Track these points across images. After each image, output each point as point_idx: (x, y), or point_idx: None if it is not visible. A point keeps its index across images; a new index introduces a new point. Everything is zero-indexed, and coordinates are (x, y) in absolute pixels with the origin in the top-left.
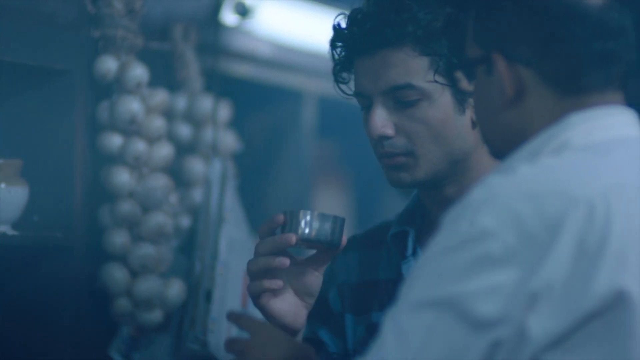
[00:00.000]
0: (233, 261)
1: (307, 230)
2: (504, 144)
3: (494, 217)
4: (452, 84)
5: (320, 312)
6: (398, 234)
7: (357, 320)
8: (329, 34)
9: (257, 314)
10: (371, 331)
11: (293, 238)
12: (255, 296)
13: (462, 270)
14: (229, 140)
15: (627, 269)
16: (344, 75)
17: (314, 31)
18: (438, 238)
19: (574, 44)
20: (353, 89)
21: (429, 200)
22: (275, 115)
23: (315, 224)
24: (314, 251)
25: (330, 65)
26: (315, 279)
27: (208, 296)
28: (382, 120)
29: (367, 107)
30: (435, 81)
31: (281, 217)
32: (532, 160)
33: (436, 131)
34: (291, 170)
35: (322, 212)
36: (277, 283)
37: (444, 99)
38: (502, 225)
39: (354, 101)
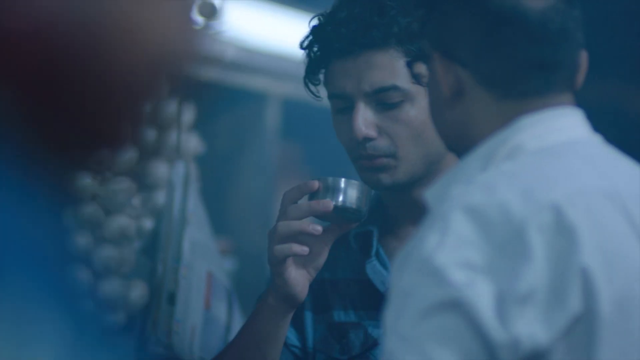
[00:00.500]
0: (196, 263)
1: (341, 198)
2: (454, 141)
3: (464, 227)
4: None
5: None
6: (361, 234)
7: (316, 319)
8: (304, 33)
9: (220, 314)
10: (333, 330)
11: (331, 205)
12: (279, 261)
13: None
14: (193, 143)
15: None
16: (317, 77)
17: (279, 33)
18: (411, 257)
19: (510, 48)
20: (327, 91)
21: (393, 201)
22: (239, 117)
23: (351, 193)
24: (327, 223)
25: (294, 67)
26: (324, 252)
27: (171, 298)
28: (365, 121)
29: (345, 108)
30: (418, 83)
31: (316, 184)
32: (487, 165)
33: (417, 132)
34: (255, 172)
35: (353, 180)
36: (304, 249)
37: (424, 100)
38: (475, 235)
39: (319, 103)
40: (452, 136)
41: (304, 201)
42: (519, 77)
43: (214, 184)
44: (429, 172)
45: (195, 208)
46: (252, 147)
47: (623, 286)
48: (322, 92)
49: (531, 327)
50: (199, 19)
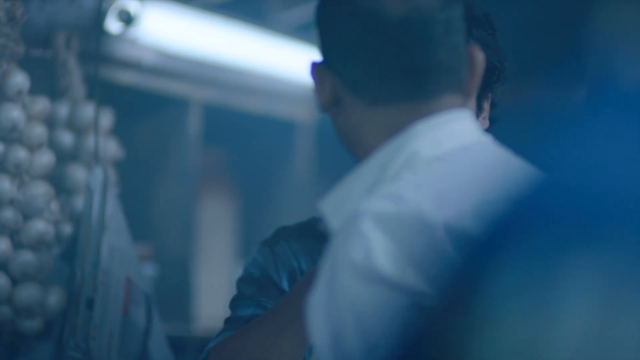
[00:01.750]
0: (114, 269)
1: None
2: (349, 150)
3: (380, 238)
4: (485, 90)
5: (268, 292)
6: None
7: None
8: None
9: (138, 320)
10: None
11: None
12: None
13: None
14: (111, 148)
15: None
16: None
17: (200, 39)
18: (341, 278)
19: (374, 54)
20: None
21: None
22: (161, 122)
23: None
24: None
25: (216, 72)
26: None
27: (89, 304)
28: None
29: None
30: None
31: None
32: (383, 174)
33: None
34: (176, 178)
35: None
36: None
37: (471, 104)
38: (392, 245)
39: (241, 109)
40: (346, 145)
41: None
42: (385, 82)
43: (135, 189)
44: None
45: (114, 213)
46: (174, 153)
47: None
48: (246, 98)
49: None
50: (117, 24)
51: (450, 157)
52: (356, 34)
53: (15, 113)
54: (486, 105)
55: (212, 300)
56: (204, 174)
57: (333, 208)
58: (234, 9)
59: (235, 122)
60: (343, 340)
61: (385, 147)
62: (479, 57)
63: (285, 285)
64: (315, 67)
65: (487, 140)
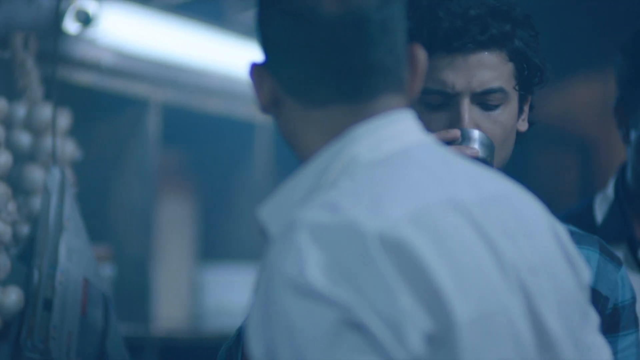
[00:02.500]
0: (72, 269)
1: (482, 152)
2: (295, 153)
3: (314, 249)
4: (527, 92)
5: None
6: None
7: None
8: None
9: (96, 321)
10: None
11: (478, 153)
12: None
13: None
14: (69, 149)
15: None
16: None
17: (159, 39)
18: (274, 290)
19: (308, 54)
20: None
21: None
22: (120, 123)
23: (490, 149)
24: None
25: (175, 73)
26: None
27: (47, 304)
28: (472, 119)
29: (441, 105)
30: (515, 88)
31: (458, 132)
32: (322, 179)
33: (506, 136)
34: (135, 179)
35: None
36: None
37: (515, 105)
38: (326, 257)
39: (201, 109)
40: (289, 146)
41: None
42: (320, 83)
43: (93, 190)
44: None
45: (71, 214)
46: (133, 153)
47: (480, 302)
48: (205, 99)
49: (417, 343)
50: (75, 24)
51: (389, 161)
52: (291, 35)
53: None
54: (526, 108)
55: (171, 301)
56: (163, 174)
57: (272, 215)
58: (193, 9)
59: (194, 123)
60: (276, 355)
61: (324, 151)
62: (421, 56)
63: None
64: (254, 68)
65: (429, 142)
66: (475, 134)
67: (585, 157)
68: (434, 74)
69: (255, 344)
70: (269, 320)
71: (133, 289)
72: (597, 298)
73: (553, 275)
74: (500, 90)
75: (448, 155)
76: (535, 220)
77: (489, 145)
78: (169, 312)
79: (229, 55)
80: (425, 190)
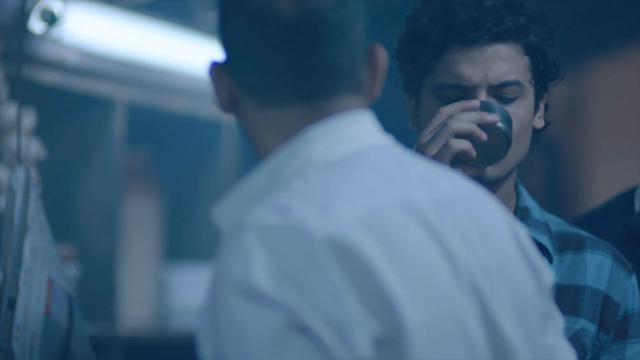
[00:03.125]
0: (37, 269)
1: (502, 122)
2: (252, 149)
3: (262, 252)
4: (543, 87)
5: None
6: None
7: None
8: (418, 11)
9: (60, 321)
10: None
11: (498, 119)
12: (446, 157)
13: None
14: (34, 148)
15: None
16: (426, 63)
17: (124, 39)
18: (221, 291)
19: (262, 54)
20: (435, 80)
21: None
22: (85, 122)
23: (507, 120)
24: None
25: (140, 72)
26: None
27: (11, 304)
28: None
29: (458, 99)
30: (531, 82)
31: (477, 102)
32: (276, 181)
33: (522, 130)
34: (100, 178)
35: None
36: (473, 151)
37: (531, 99)
38: (273, 260)
39: (166, 109)
40: (251, 147)
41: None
42: (275, 83)
43: (59, 189)
44: (512, 172)
45: (36, 213)
46: (98, 153)
47: (431, 306)
48: (171, 98)
49: (364, 347)
50: (40, 24)
51: (343, 162)
52: (247, 35)
53: None
54: (542, 105)
55: (137, 300)
56: (128, 174)
57: (224, 215)
58: (159, 9)
59: (160, 122)
60: (223, 357)
61: (279, 152)
62: (382, 56)
63: None
64: (214, 67)
65: (386, 143)
66: (495, 105)
67: (552, 158)
68: (450, 68)
69: (204, 346)
70: (216, 322)
71: (98, 289)
72: (609, 304)
73: (510, 277)
74: (517, 83)
75: (405, 157)
76: (493, 222)
77: (508, 119)
78: (134, 312)
79: (194, 55)
80: (378, 192)
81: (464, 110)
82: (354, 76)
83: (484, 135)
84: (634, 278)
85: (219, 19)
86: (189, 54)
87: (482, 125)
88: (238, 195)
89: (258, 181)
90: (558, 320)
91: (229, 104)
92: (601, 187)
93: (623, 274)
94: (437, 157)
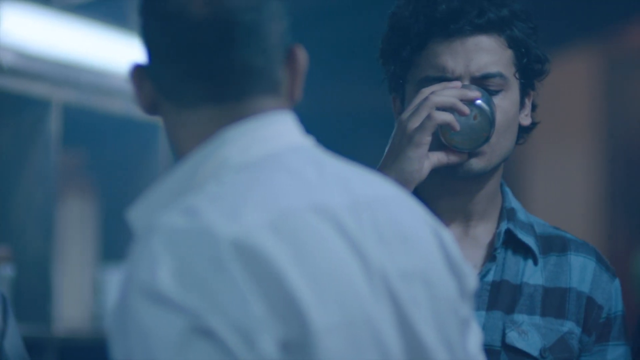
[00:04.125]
0: None
1: (484, 101)
2: (175, 154)
3: (167, 255)
4: (528, 81)
5: None
6: None
7: None
8: (399, 4)
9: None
10: None
11: (480, 95)
12: (427, 128)
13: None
14: None
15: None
16: (409, 57)
17: (60, 40)
18: (129, 293)
19: (176, 56)
20: (417, 73)
21: (437, 191)
22: (21, 124)
23: (489, 103)
24: None
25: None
26: (424, 169)
27: None
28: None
29: None
30: (515, 76)
31: (459, 84)
32: (191, 183)
33: (508, 124)
34: (36, 180)
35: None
36: (457, 125)
37: (516, 94)
38: (179, 263)
39: (103, 109)
40: (173, 150)
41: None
42: (189, 85)
43: None
44: (498, 168)
45: None
46: (34, 154)
47: (341, 310)
48: (107, 100)
49: (270, 350)
50: None
51: (257, 165)
52: (161, 37)
53: None
54: (528, 102)
55: (72, 301)
56: (64, 175)
57: (138, 217)
58: (94, 10)
59: (96, 124)
60: (131, 359)
61: (195, 154)
62: (301, 57)
63: None
64: (134, 69)
65: (304, 144)
66: (478, 88)
67: None
68: (432, 61)
69: (114, 348)
70: (124, 325)
71: (33, 289)
72: (592, 306)
73: (430, 281)
74: (500, 75)
75: (324, 159)
76: (414, 225)
77: (491, 103)
78: (69, 312)
79: (130, 56)
80: (290, 195)
81: (448, 87)
82: (270, 77)
83: (466, 109)
84: (617, 281)
85: (139, 22)
86: (125, 55)
87: (465, 104)
88: (152, 197)
89: (173, 183)
90: (477, 332)
91: (150, 107)
92: (541, 189)
93: (606, 276)
94: (419, 131)
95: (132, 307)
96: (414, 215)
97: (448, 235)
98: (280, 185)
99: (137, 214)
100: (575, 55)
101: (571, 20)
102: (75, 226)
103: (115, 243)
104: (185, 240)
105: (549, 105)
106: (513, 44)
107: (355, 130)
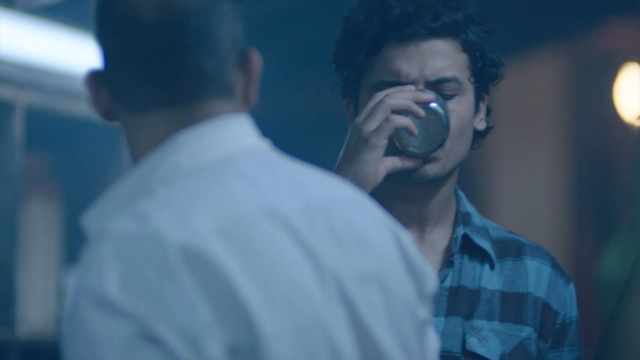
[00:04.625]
0: None
1: (438, 104)
2: (132, 159)
3: (117, 261)
4: (483, 86)
5: None
6: None
7: None
8: (355, 5)
9: None
10: None
11: (434, 97)
12: (384, 131)
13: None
14: None
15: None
16: (362, 61)
17: (24, 42)
18: (80, 299)
19: (127, 61)
20: (372, 77)
21: (393, 196)
22: None
23: (444, 107)
24: None
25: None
26: (380, 173)
27: None
28: None
29: None
30: (470, 80)
31: (412, 87)
32: (142, 188)
33: (462, 129)
34: (0, 182)
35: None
36: (414, 129)
37: (470, 98)
38: (126, 268)
39: (66, 112)
40: (130, 155)
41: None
42: (140, 89)
43: None
44: (452, 173)
45: None
46: None
47: (292, 315)
48: (71, 102)
49: (218, 357)
50: None
51: (209, 169)
52: (113, 41)
53: None
54: (483, 107)
55: (37, 304)
56: (28, 178)
57: (93, 223)
58: (58, 12)
59: (60, 126)
60: None
61: (148, 159)
62: (256, 60)
63: None
64: (90, 75)
65: (258, 148)
66: (432, 92)
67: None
68: (387, 65)
69: (65, 353)
70: (74, 331)
71: None
72: (548, 312)
73: (386, 284)
74: (455, 79)
75: (278, 162)
76: (371, 228)
77: (445, 107)
78: (33, 315)
79: (95, 59)
80: (241, 200)
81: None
82: (223, 80)
83: (421, 111)
84: (572, 286)
85: (94, 26)
86: (89, 57)
87: (420, 107)
88: (106, 202)
89: (126, 188)
90: (435, 336)
91: (106, 112)
92: (507, 190)
93: (561, 282)
94: (375, 133)
95: (81, 313)
96: (371, 217)
97: (407, 237)
98: (231, 189)
99: (90, 220)
100: (541, 57)
101: (537, 23)
102: (40, 229)
103: (79, 246)
104: (134, 246)
105: (516, 107)
106: (468, 47)
107: (316, 133)
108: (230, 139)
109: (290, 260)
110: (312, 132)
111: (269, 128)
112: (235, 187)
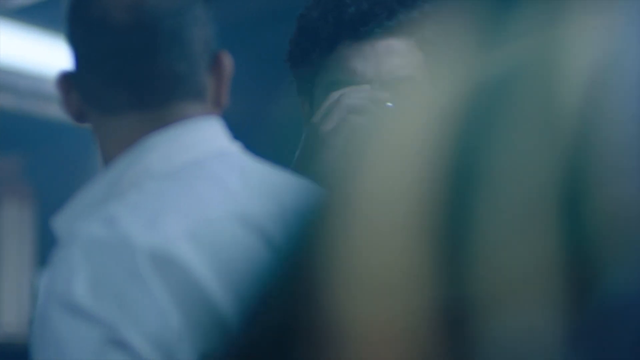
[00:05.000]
0: None
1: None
2: (104, 162)
3: (86, 264)
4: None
5: None
6: None
7: None
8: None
9: None
10: None
11: (389, 96)
12: (342, 132)
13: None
14: None
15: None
16: (319, 60)
17: None
18: (49, 302)
19: (97, 63)
20: (326, 76)
21: None
22: None
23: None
24: None
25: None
26: None
27: None
28: None
29: None
30: (427, 79)
31: (368, 87)
32: (112, 192)
33: None
34: None
35: None
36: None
37: None
38: (94, 273)
39: (39, 115)
40: (102, 158)
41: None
42: (109, 91)
43: None
44: None
45: None
46: None
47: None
48: (44, 104)
49: None
50: None
51: (180, 172)
52: (84, 43)
53: None
54: None
55: (11, 306)
56: (1, 181)
57: (63, 226)
58: (32, 15)
59: (34, 129)
60: None
61: (119, 161)
62: (227, 63)
63: None
64: (61, 77)
65: (230, 151)
66: (389, 93)
67: None
68: (342, 64)
69: (34, 356)
70: (43, 335)
71: None
72: None
73: None
74: (410, 78)
75: (249, 165)
76: None
77: None
78: (7, 318)
79: (68, 61)
80: (211, 204)
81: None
82: (194, 83)
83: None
84: None
85: (66, 28)
86: (63, 60)
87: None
88: (76, 205)
89: (97, 191)
90: None
91: (77, 114)
92: None
93: None
94: (334, 134)
95: (50, 317)
96: None
97: None
98: (201, 193)
99: (60, 222)
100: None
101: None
102: (13, 232)
103: (53, 247)
104: (103, 250)
105: None
106: (424, 46)
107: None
108: (201, 142)
109: (261, 265)
110: (282, 135)
111: (239, 130)
112: (205, 191)
